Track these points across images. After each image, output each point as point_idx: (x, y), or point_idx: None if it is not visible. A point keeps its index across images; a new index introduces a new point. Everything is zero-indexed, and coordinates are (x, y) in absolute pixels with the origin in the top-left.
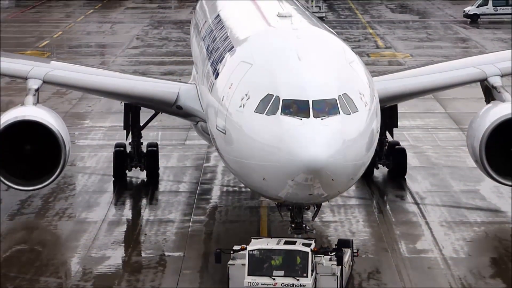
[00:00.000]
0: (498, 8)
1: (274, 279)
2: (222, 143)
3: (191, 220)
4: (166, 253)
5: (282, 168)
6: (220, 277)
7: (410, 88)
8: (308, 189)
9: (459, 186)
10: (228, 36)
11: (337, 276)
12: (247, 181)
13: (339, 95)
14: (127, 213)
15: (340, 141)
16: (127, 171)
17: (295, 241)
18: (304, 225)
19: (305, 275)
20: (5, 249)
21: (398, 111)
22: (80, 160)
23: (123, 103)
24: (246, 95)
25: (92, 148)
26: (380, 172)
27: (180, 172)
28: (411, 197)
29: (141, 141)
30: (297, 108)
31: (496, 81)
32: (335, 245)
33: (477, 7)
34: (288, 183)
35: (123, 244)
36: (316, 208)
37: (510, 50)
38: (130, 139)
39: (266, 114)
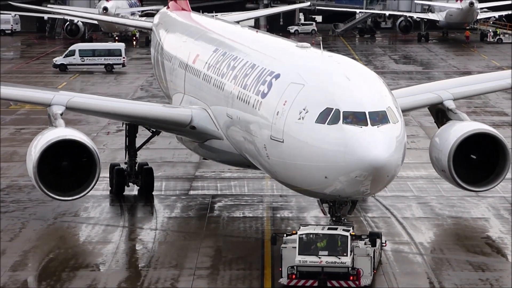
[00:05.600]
0: (85, 58)
1: (319, 257)
2: (277, 151)
3: (195, 270)
4: None
5: (347, 168)
6: None
7: None
8: (362, 185)
9: (463, 236)
10: (255, 64)
11: (371, 257)
12: (302, 180)
13: (386, 108)
14: (131, 264)
15: (393, 144)
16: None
17: (337, 228)
18: (342, 219)
19: (345, 254)
20: None
21: None
22: (84, 211)
23: (124, 126)
24: (304, 109)
25: (95, 199)
26: (383, 221)
27: (184, 223)
28: (415, 247)
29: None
30: (355, 118)
31: (450, 104)
32: (366, 235)
33: (64, 57)
34: (349, 180)
35: None
36: (351, 204)
37: (460, 78)
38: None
39: (327, 124)
